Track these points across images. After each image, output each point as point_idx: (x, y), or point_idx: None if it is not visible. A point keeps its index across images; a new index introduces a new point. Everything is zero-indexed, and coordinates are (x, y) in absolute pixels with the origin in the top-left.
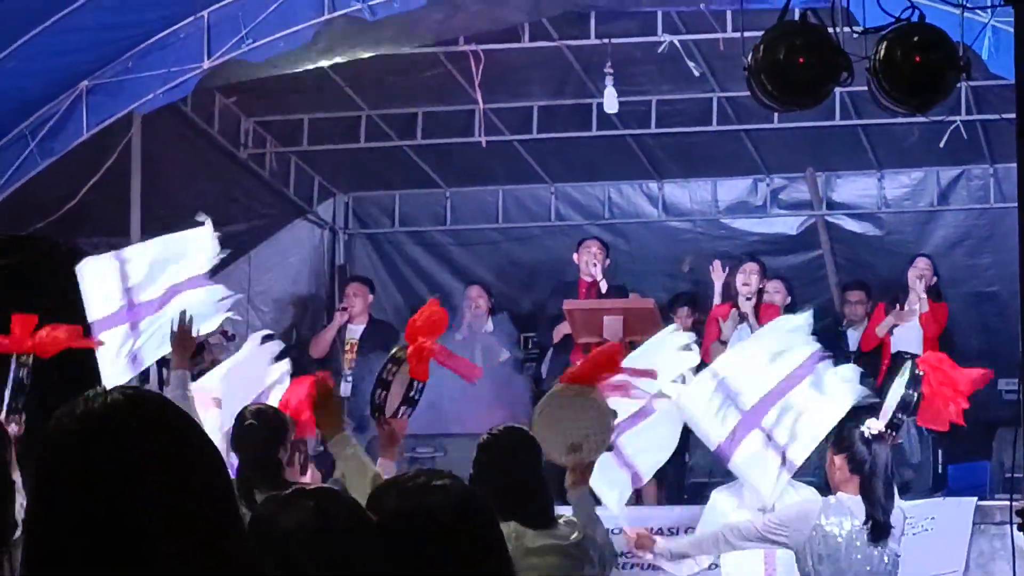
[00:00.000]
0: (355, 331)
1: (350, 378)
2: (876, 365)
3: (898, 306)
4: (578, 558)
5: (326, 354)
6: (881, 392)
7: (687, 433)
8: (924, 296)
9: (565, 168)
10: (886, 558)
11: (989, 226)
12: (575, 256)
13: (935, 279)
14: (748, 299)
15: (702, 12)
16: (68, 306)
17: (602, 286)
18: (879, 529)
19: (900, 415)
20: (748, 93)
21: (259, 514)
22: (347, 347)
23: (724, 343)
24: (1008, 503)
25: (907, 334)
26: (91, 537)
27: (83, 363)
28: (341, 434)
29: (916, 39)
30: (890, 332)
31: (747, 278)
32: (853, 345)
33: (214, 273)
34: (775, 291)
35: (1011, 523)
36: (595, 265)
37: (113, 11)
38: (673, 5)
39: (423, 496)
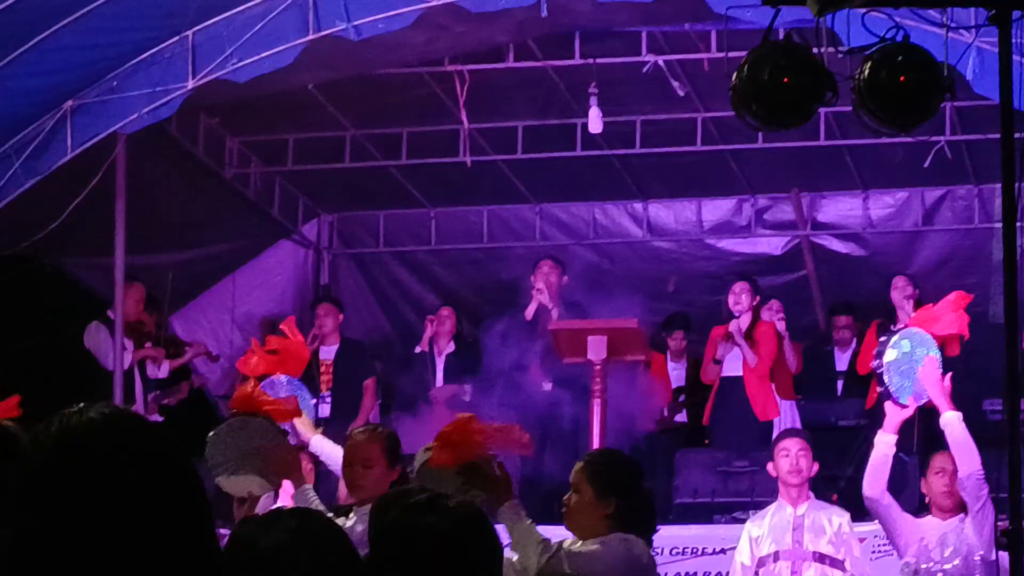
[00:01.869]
0: (328, 352)
1: (328, 399)
2: (866, 386)
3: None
4: None
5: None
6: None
7: (672, 456)
8: (913, 314)
9: (550, 188)
10: None
11: (974, 246)
12: (532, 278)
13: (917, 294)
14: (738, 318)
15: (686, 32)
16: (51, 326)
17: (553, 314)
18: None
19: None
20: (733, 113)
21: (237, 534)
22: (322, 370)
23: (719, 362)
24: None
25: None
26: (64, 553)
27: None
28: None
29: (900, 59)
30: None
31: (737, 298)
32: (840, 366)
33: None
34: (776, 311)
35: (995, 543)
36: (542, 292)
37: (98, 31)
38: (657, 25)
39: (423, 514)
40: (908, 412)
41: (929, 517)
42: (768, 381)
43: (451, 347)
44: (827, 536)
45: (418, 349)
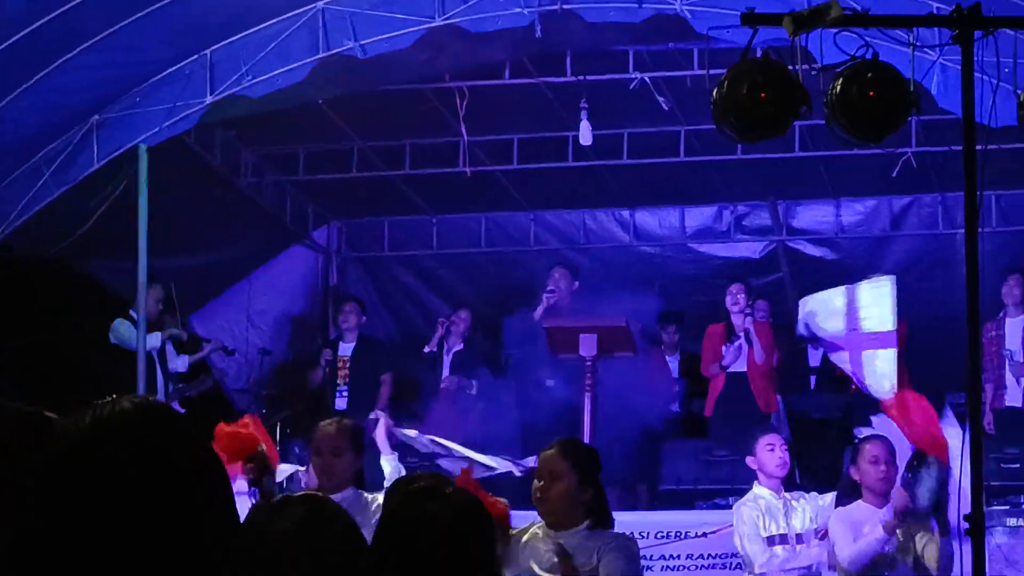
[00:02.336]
0: (346, 349)
1: (344, 392)
2: (836, 381)
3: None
4: None
5: (319, 385)
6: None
7: (658, 445)
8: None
9: (543, 196)
10: None
11: (939, 251)
12: (552, 276)
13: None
14: (742, 314)
15: (670, 51)
16: (79, 323)
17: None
18: None
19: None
20: (714, 126)
21: (251, 520)
22: (339, 365)
23: (724, 368)
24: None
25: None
26: (96, 536)
27: None
28: None
29: (870, 76)
30: None
31: (735, 298)
32: (813, 362)
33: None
34: (762, 310)
35: (959, 526)
36: (552, 293)
37: (121, 50)
38: (643, 45)
39: (425, 501)
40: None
41: (859, 503)
42: (768, 376)
43: (459, 346)
44: (809, 515)
45: (427, 349)
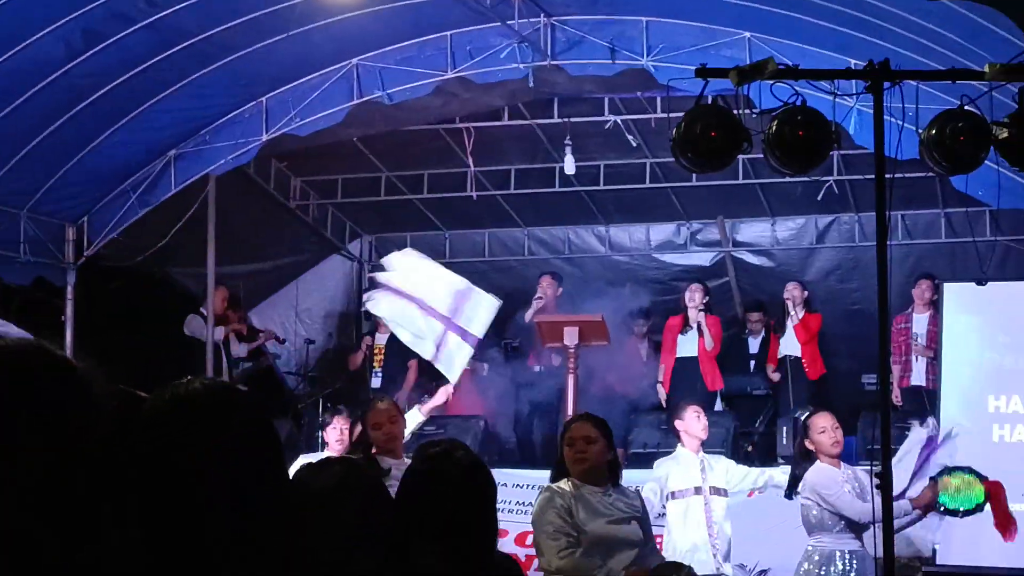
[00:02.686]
0: (381, 339)
1: (379, 373)
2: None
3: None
4: None
5: (358, 366)
6: (776, 389)
7: (629, 416)
8: (798, 311)
9: (535, 215)
10: None
11: (855, 260)
12: (540, 284)
13: (805, 295)
14: (696, 310)
15: (638, 98)
16: (160, 318)
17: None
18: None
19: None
20: (673, 159)
21: (298, 477)
22: (376, 352)
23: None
24: (869, 469)
25: (789, 340)
26: (171, 486)
27: None
28: None
29: (799, 118)
30: (778, 340)
31: (692, 295)
32: (752, 349)
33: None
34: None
35: (871, 484)
36: (548, 301)
37: (194, 97)
38: (616, 93)
39: (441, 462)
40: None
41: (820, 466)
42: (714, 361)
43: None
44: (716, 473)
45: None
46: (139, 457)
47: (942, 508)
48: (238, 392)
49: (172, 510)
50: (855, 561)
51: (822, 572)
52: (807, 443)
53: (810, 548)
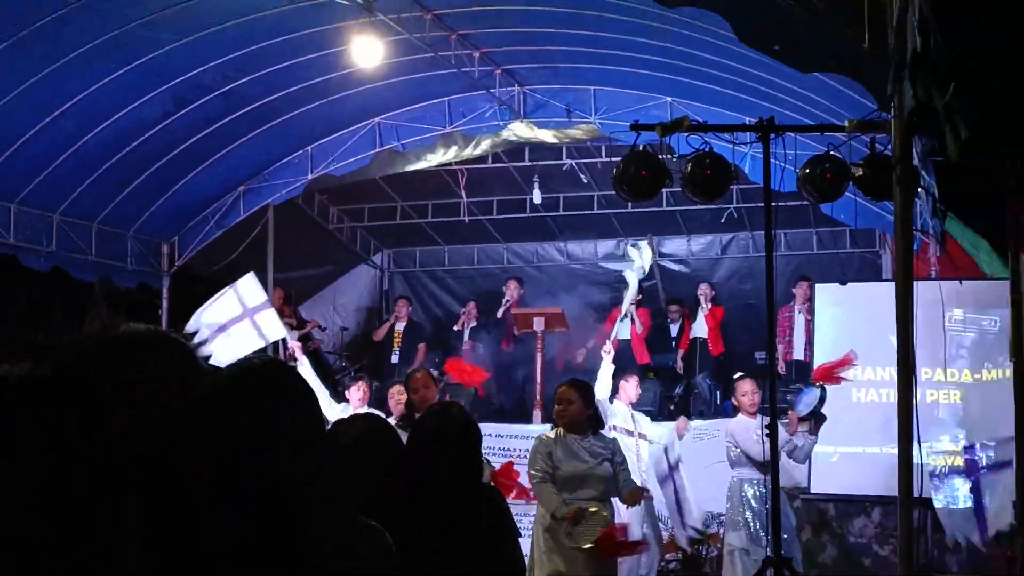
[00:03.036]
0: (400, 327)
1: (397, 352)
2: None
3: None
4: None
5: (381, 339)
6: (685, 360)
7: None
8: (707, 305)
9: (511, 234)
10: None
11: (749, 267)
12: (505, 288)
13: (713, 293)
14: (631, 304)
15: (588, 146)
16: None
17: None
18: None
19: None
20: (614, 191)
21: (333, 430)
22: (396, 335)
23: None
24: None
25: (699, 326)
26: (235, 444)
27: None
28: None
29: (707, 161)
30: (691, 326)
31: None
32: (672, 333)
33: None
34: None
35: (761, 432)
36: (513, 300)
37: (257, 146)
38: (573, 142)
39: (441, 417)
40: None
41: (741, 417)
42: (644, 342)
43: (474, 323)
44: (642, 424)
45: (456, 327)
46: (206, 415)
47: (802, 416)
48: (286, 365)
49: (259, 443)
50: (760, 488)
51: (740, 495)
52: (733, 400)
53: (733, 479)
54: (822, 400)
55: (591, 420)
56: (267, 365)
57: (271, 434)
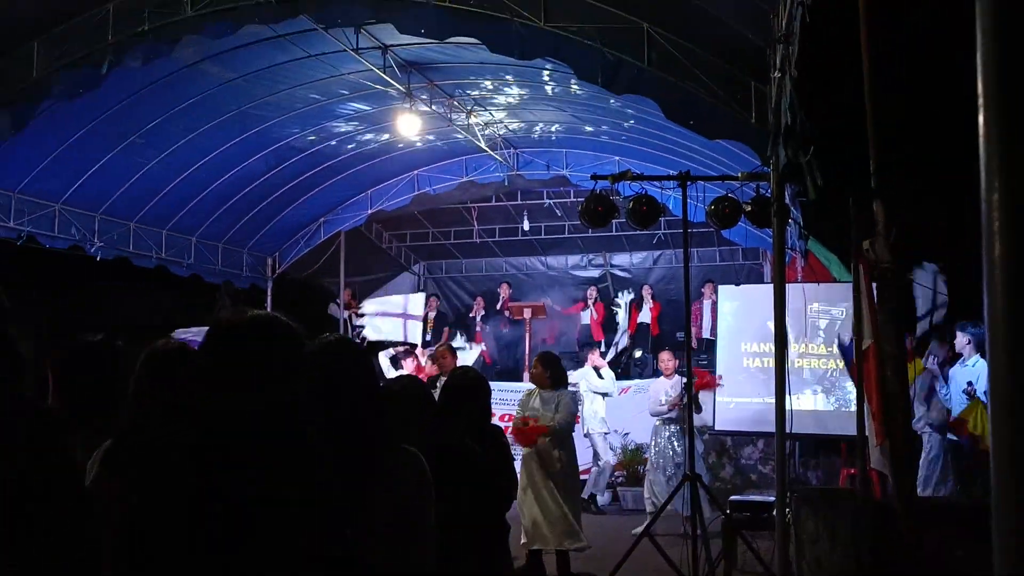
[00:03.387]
0: (431, 316)
1: (429, 336)
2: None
3: (642, 307)
4: None
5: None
6: (633, 340)
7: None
8: (648, 300)
9: (508, 251)
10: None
11: (673, 274)
12: (499, 289)
13: (652, 292)
14: (591, 299)
15: (561, 190)
16: (316, 303)
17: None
18: None
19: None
20: (579, 221)
21: (384, 387)
22: (429, 322)
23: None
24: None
25: (644, 314)
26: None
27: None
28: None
29: (644, 200)
30: (637, 314)
31: (589, 292)
32: (620, 319)
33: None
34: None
35: (665, 391)
36: (503, 298)
37: (332, 191)
38: (550, 188)
39: (459, 377)
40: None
41: (661, 377)
42: (601, 326)
43: (483, 312)
44: (605, 382)
45: (471, 315)
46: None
47: (676, 404)
48: (355, 342)
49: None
50: (674, 427)
51: (659, 436)
52: (659, 364)
53: (656, 424)
54: (691, 397)
55: (551, 379)
56: (343, 340)
57: (357, 386)
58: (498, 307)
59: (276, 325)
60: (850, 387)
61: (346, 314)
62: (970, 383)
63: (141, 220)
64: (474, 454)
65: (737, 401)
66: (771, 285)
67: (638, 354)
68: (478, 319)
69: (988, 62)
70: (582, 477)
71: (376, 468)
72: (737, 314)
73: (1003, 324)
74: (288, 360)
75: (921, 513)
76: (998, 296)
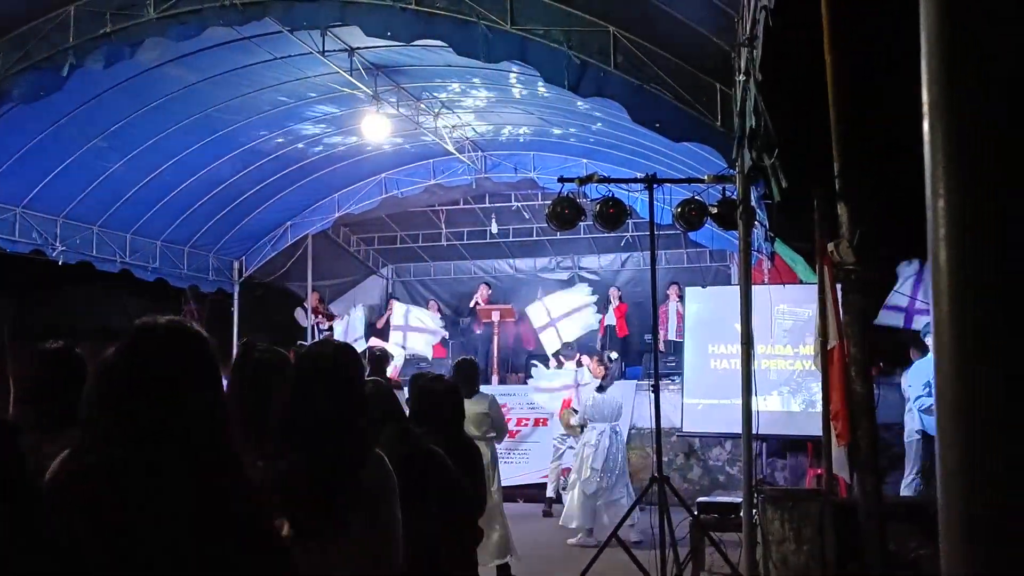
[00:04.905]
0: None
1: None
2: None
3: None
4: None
5: (382, 327)
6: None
7: (527, 361)
8: (615, 301)
9: (476, 254)
10: None
11: (640, 276)
12: (477, 291)
13: (619, 293)
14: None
15: (529, 193)
16: (281, 308)
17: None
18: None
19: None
20: (546, 224)
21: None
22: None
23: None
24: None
25: (610, 317)
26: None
27: None
28: None
29: (611, 202)
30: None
31: (611, 292)
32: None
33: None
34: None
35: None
36: (482, 299)
37: (299, 194)
38: (518, 190)
39: (432, 383)
40: None
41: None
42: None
43: (437, 315)
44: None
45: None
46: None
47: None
48: (348, 346)
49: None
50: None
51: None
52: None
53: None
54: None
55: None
56: (337, 346)
57: (355, 393)
58: (471, 306)
59: (188, 333)
60: (816, 388)
61: (314, 318)
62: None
63: (105, 224)
64: (442, 461)
65: (705, 403)
66: (738, 287)
67: (614, 356)
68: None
69: (932, 67)
70: (542, 480)
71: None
72: (703, 316)
73: (948, 331)
74: (203, 369)
75: (885, 513)
76: (944, 302)
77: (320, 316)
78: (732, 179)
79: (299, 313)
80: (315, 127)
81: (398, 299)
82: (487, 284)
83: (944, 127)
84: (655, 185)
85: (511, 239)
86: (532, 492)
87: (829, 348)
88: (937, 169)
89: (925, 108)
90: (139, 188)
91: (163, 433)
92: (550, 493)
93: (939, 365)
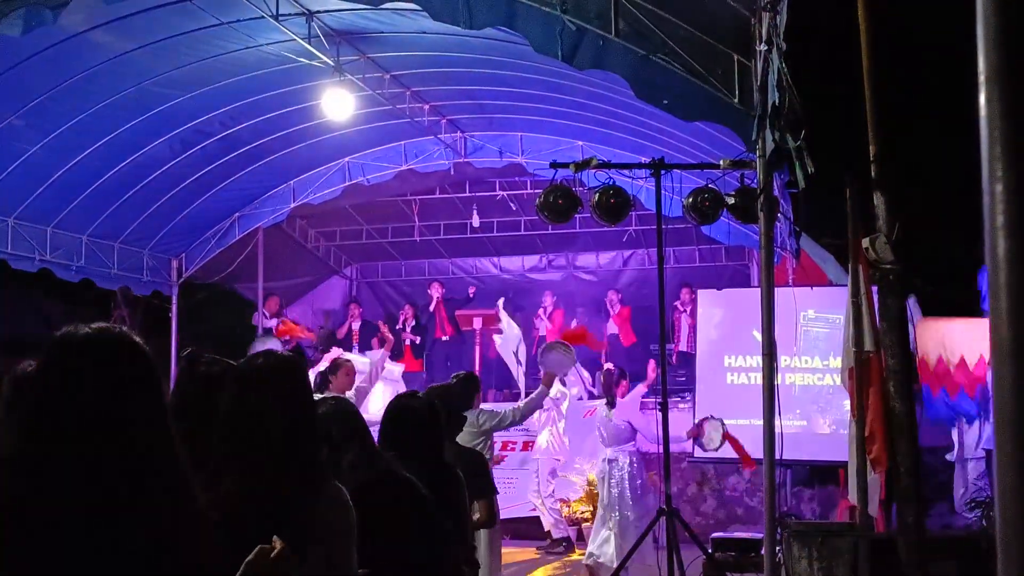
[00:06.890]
0: (355, 326)
1: (356, 347)
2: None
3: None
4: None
5: (343, 336)
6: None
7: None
8: (613, 308)
9: (455, 251)
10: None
11: (646, 277)
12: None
13: (620, 296)
14: (551, 305)
15: (516, 180)
16: (227, 313)
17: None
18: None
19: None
20: (536, 216)
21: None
22: (354, 333)
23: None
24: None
25: (610, 325)
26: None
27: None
28: None
29: (611, 192)
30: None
31: (546, 297)
32: None
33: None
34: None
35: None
36: (435, 298)
37: (250, 180)
38: (503, 177)
39: (410, 400)
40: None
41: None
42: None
43: (412, 322)
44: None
45: (397, 326)
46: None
47: (701, 446)
48: (291, 357)
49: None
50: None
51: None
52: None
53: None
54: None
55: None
56: (282, 357)
57: (299, 411)
58: (431, 309)
59: (122, 343)
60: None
61: (274, 322)
62: None
63: (21, 216)
64: (415, 491)
65: None
66: (758, 289)
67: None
68: (408, 329)
69: (989, 31)
70: (532, 513)
71: (299, 510)
72: (719, 323)
73: (1008, 331)
74: (141, 388)
75: (929, 549)
76: (1002, 300)
77: (284, 330)
78: (752, 164)
79: (257, 318)
80: (267, 104)
81: (361, 304)
82: (440, 282)
83: (1003, 100)
84: (663, 171)
85: (495, 234)
86: (522, 527)
87: (863, 359)
88: (995, 148)
89: (982, 78)
90: (62, 174)
91: (101, 471)
92: (558, 532)
93: (997, 371)
